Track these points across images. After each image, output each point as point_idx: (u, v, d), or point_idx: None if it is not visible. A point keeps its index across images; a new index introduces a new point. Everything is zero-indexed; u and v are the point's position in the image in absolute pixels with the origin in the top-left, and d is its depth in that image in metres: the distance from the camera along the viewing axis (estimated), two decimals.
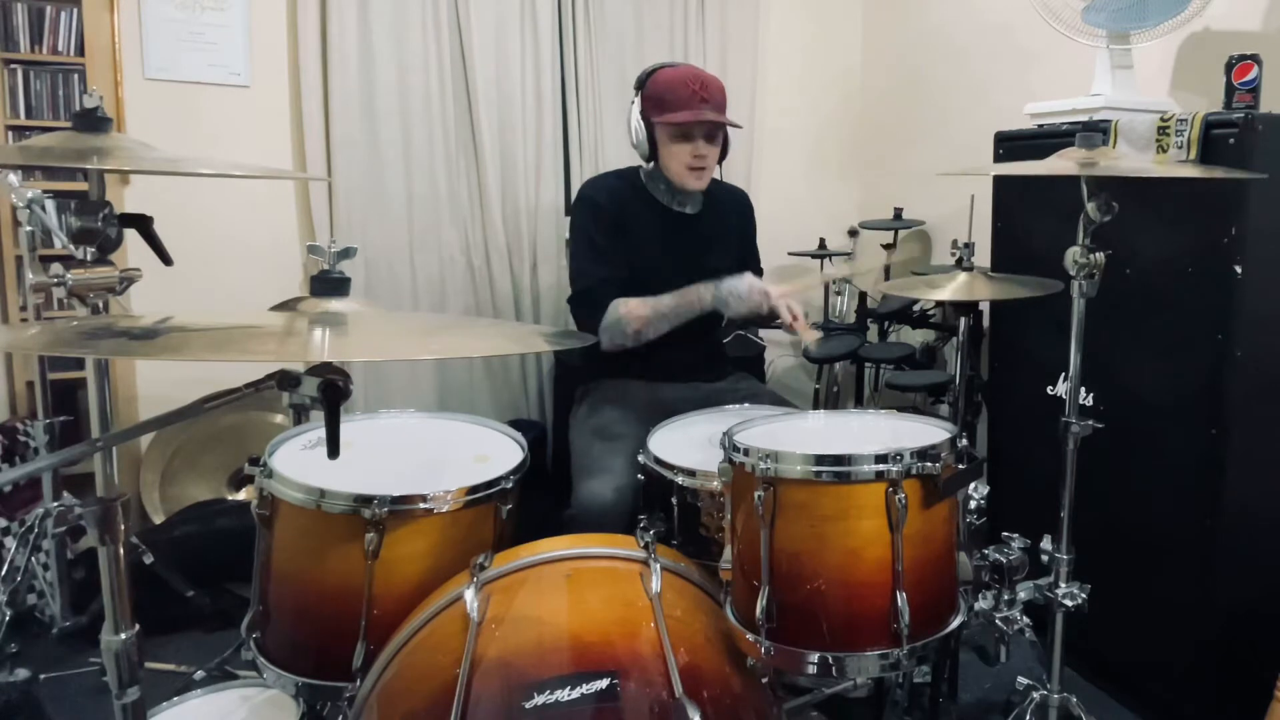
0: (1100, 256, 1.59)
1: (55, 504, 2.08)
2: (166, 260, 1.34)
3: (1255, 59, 1.88)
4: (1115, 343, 2.01)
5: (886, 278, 3.30)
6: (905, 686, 1.94)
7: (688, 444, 1.79)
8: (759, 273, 2.62)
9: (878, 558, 1.28)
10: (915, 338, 3.30)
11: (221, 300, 2.89)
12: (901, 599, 1.27)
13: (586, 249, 2.21)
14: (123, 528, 1.03)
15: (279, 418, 2.85)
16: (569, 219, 2.47)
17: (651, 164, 2.23)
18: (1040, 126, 2.34)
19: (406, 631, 1.31)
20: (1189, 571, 1.92)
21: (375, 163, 3.00)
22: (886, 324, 3.28)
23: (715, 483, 1.52)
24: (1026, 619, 1.75)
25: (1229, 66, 1.90)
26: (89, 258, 1.14)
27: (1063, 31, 2.32)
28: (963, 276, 1.84)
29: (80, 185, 1.37)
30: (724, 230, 2.37)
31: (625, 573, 1.34)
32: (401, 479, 1.50)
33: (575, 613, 1.27)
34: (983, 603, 1.75)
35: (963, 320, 1.98)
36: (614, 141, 3.23)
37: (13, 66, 2.68)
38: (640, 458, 1.77)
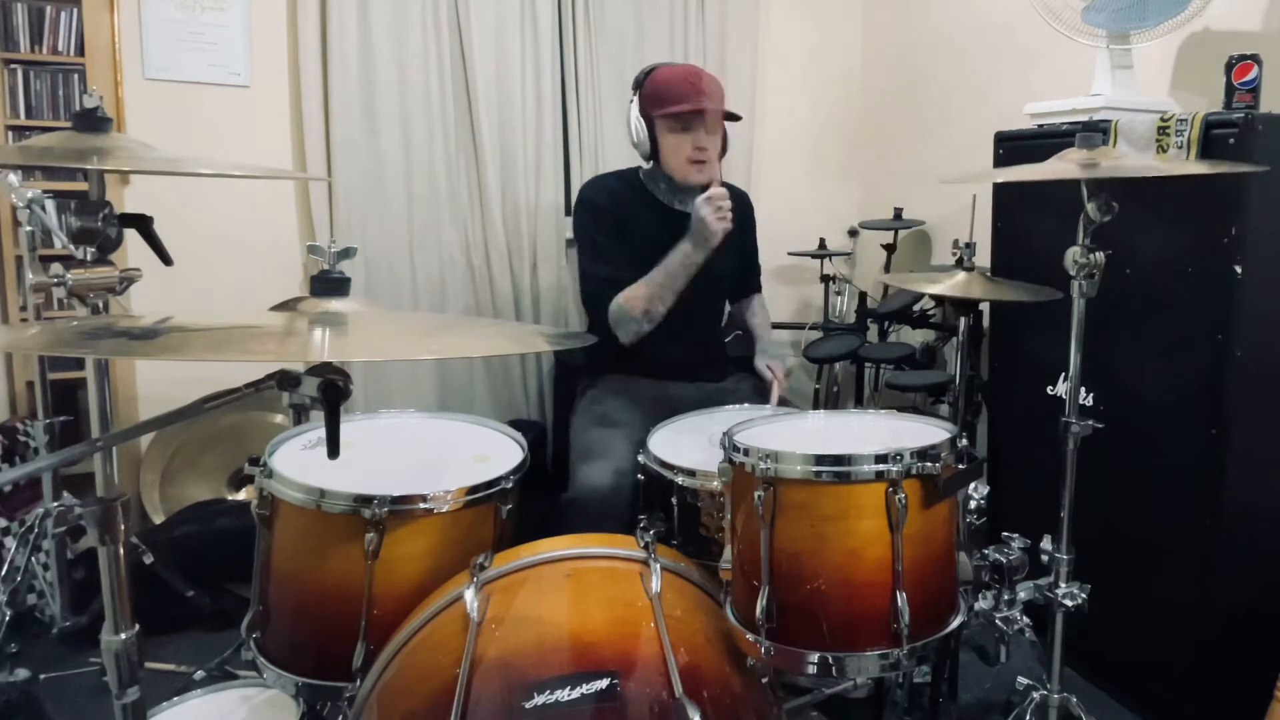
0: (1100, 256, 1.59)
1: (55, 504, 2.08)
2: (166, 260, 1.34)
3: (1255, 59, 1.88)
4: (1115, 343, 2.01)
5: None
6: (905, 686, 1.94)
7: (688, 444, 1.79)
8: (758, 273, 2.63)
9: (878, 558, 1.28)
10: (915, 338, 3.30)
11: (221, 300, 2.89)
12: (901, 599, 1.27)
13: (590, 251, 2.22)
14: (123, 528, 1.03)
15: (279, 418, 2.85)
16: (570, 219, 2.47)
17: (652, 163, 2.23)
18: (1040, 126, 2.34)
19: (406, 631, 1.31)
20: (1189, 571, 1.92)
21: (375, 163, 3.00)
22: (886, 324, 3.28)
23: (715, 483, 1.52)
24: (1026, 619, 1.75)
25: (1229, 66, 1.90)
26: (89, 258, 1.14)
27: (1063, 31, 2.32)
28: (963, 276, 1.84)
29: (80, 185, 1.37)
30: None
31: (625, 573, 1.34)
32: (401, 479, 1.50)
33: (575, 613, 1.27)
34: (983, 603, 1.75)
35: (963, 320, 1.98)
36: (614, 141, 3.22)
37: (13, 66, 2.67)
38: (640, 457, 1.78)
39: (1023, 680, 1.97)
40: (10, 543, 2.25)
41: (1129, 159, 1.80)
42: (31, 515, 2.13)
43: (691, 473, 1.66)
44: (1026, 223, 2.31)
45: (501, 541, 1.50)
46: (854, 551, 1.29)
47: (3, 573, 2.13)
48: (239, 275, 2.92)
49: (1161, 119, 1.91)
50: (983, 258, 2.23)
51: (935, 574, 1.35)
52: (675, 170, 2.18)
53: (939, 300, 2.87)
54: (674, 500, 1.68)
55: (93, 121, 1.20)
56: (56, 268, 1.15)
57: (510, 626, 1.23)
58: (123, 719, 1.07)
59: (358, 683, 1.34)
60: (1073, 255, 1.60)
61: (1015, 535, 1.74)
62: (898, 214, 3.32)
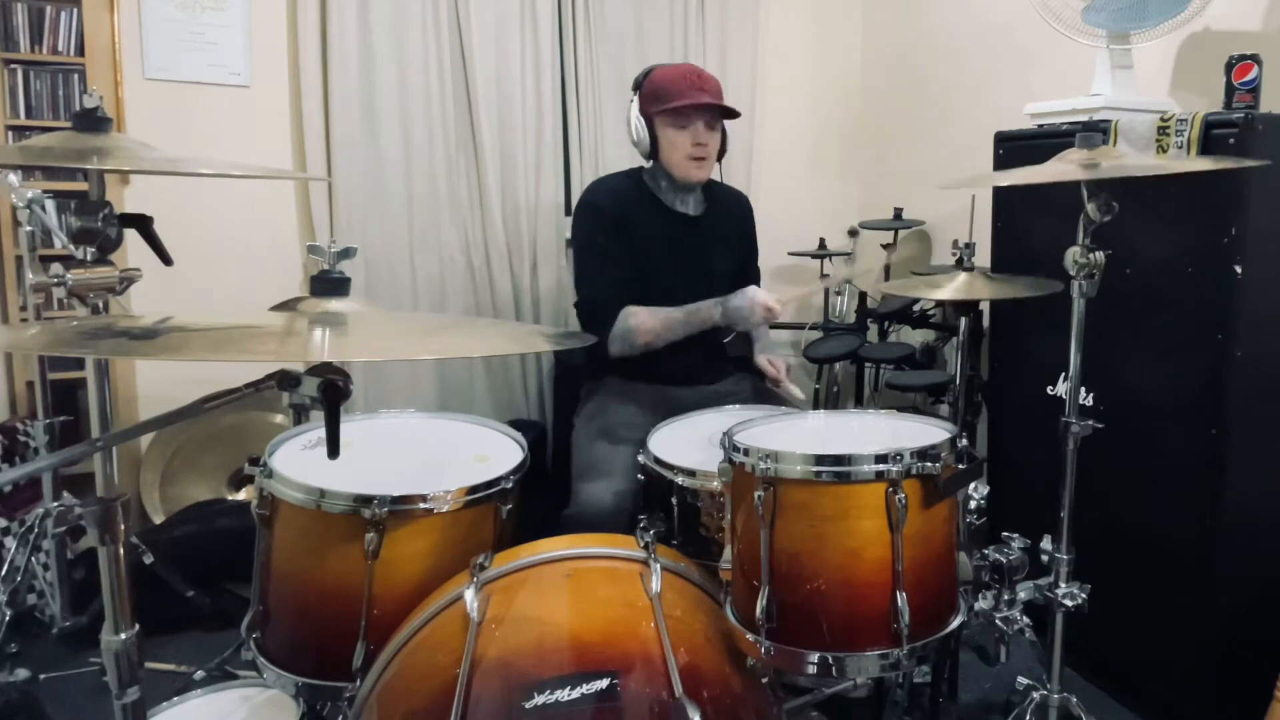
0: (1100, 256, 1.59)
1: (55, 504, 2.08)
2: (166, 260, 1.34)
3: (1255, 59, 1.88)
4: (1115, 343, 2.01)
5: (886, 278, 3.30)
6: (905, 686, 1.94)
7: (688, 444, 1.79)
8: (758, 273, 2.62)
9: (878, 558, 1.28)
10: (915, 338, 3.30)
11: (221, 300, 2.89)
12: (901, 599, 1.27)
13: (591, 255, 2.22)
14: (123, 528, 1.03)
15: (279, 418, 2.85)
16: (570, 219, 2.47)
17: (652, 162, 2.23)
18: (1040, 126, 2.34)
19: (406, 631, 1.31)
20: (1189, 571, 1.92)
21: (375, 163, 3.00)
22: (886, 324, 3.28)
23: (715, 483, 1.52)
24: (1026, 619, 1.75)
25: (1229, 66, 1.90)
26: (89, 258, 1.14)
27: (1063, 31, 2.32)
28: (963, 276, 1.84)
29: (80, 185, 1.37)
30: (726, 231, 2.37)
31: (625, 573, 1.34)
32: (401, 479, 1.50)
33: (575, 613, 1.27)
34: (983, 603, 1.75)
35: (963, 320, 1.98)
36: (614, 141, 3.23)
37: (13, 66, 2.67)
38: (640, 458, 1.78)
39: (1023, 680, 1.97)
40: (10, 543, 2.25)
41: (1129, 159, 1.80)
42: (31, 515, 2.13)
43: (691, 473, 1.66)
44: (1026, 223, 2.32)
45: (501, 541, 1.50)
46: (854, 551, 1.29)
47: (3, 573, 2.13)
48: (239, 275, 2.92)
49: (1161, 119, 1.91)
50: (982, 257, 2.24)
51: (935, 574, 1.35)
52: (675, 167, 2.19)
53: (939, 300, 2.87)
54: (674, 500, 1.68)
55: (93, 121, 1.20)
56: (56, 268, 1.15)
57: (510, 626, 1.23)
58: (123, 719, 1.07)
59: (358, 683, 1.34)
60: (1073, 255, 1.60)
61: (1015, 535, 1.74)
62: (898, 214, 3.32)
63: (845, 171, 3.77)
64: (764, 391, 2.31)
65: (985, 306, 2.75)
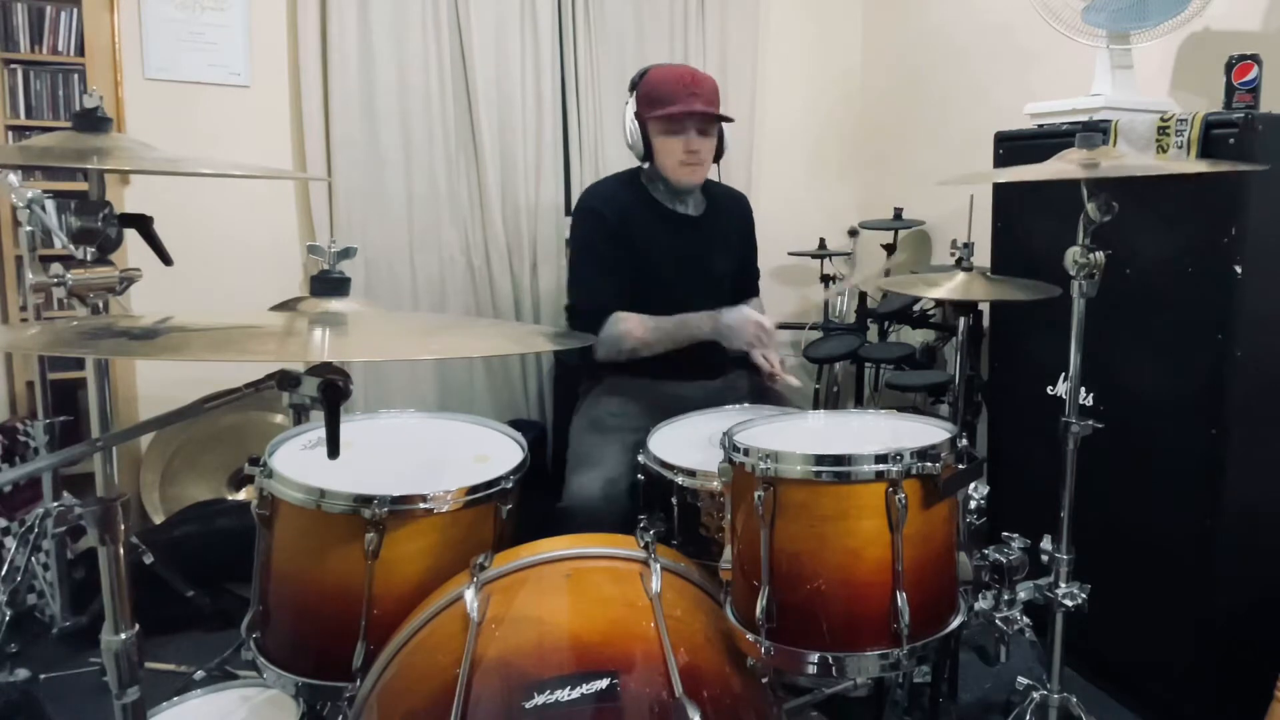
0: (1100, 256, 1.59)
1: (55, 504, 2.08)
2: (166, 260, 1.34)
3: (1255, 59, 1.88)
4: (1115, 343, 2.01)
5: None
6: (905, 686, 1.94)
7: (688, 444, 1.79)
8: (757, 273, 2.63)
9: (878, 558, 1.28)
10: (915, 338, 3.30)
11: (221, 300, 2.89)
12: (901, 599, 1.27)
13: (586, 260, 2.22)
14: (123, 528, 1.03)
15: (279, 418, 2.85)
16: (569, 220, 2.47)
17: (648, 164, 2.23)
18: (1040, 126, 2.34)
19: (406, 631, 1.31)
20: (1189, 571, 1.92)
21: (375, 163, 3.00)
22: (886, 324, 3.28)
23: (715, 483, 1.52)
24: (1026, 619, 1.75)
25: (1229, 66, 1.90)
26: (89, 258, 1.14)
27: (1063, 31, 2.32)
28: (962, 276, 1.84)
29: (80, 185, 1.37)
30: (725, 232, 2.37)
31: (625, 573, 1.34)
32: (401, 479, 1.50)
33: (575, 613, 1.27)
34: (983, 603, 1.75)
35: (963, 320, 1.98)
36: (614, 141, 3.22)
37: (13, 66, 2.67)
38: (640, 458, 1.78)
39: (1023, 680, 1.97)
40: (10, 543, 2.25)
41: (1129, 159, 1.80)
42: (31, 515, 2.13)
43: (691, 473, 1.66)
44: (1026, 223, 2.32)
45: (501, 541, 1.50)
46: (854, 551, 1.29)
47: (3, 573, 2.13)
48: (239, 275, 2.92)
49: (1161, 119, 1.91)
50: (982, 258, 2.24)
51: (935, 574, 1.35)
52: (668, 171, 2.19)
53: (939, 300, 2.87)
54: (674, 500, 1.68)
55: (93, 121, 1.20)
56: (56, 268, 1.15)
57: (510, 626, 1.23)
58: (123, 719, 1.07)
59: (358, 683, 1.34)
60: (1073, 255, 1.60)
61: (1015, 535, 1.74)
62: (898, 214, 3.32)
63: (845, 171, 3.77)
64: (761, 387, 2.30)
65: (985, 306, 2.76)
